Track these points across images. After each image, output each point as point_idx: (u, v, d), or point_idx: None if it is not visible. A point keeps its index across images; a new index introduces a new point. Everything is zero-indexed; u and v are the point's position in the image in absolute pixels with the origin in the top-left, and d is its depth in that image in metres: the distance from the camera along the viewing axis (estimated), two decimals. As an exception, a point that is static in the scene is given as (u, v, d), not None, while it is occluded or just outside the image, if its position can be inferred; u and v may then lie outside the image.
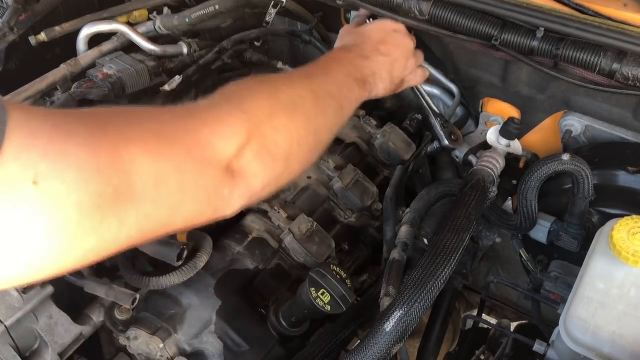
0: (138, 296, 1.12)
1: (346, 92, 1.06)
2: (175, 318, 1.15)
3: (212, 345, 1.13)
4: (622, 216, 1.00)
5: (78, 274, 1.15)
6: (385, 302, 1.10)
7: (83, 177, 0.59)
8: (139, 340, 1.13)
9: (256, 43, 1.67)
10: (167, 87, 1.47)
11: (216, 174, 0.76)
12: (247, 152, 0.79)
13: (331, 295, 1.05)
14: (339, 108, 1.01)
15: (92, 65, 1.54)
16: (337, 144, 1.47)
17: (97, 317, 1.17)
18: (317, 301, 1.04)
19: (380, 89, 1.17)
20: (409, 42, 1.25)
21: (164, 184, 0.68)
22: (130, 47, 1.63)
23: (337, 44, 1.26)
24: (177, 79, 1.48)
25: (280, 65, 1.73)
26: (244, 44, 1.63)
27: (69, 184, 0.57)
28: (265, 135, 0.83)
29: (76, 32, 1.59)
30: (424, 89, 1.61)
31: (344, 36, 1.27)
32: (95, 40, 1.61)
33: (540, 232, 1.22)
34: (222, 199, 0.78)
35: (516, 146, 1.27)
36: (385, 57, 1.18)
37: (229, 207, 0.80)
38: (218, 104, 0.84)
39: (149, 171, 0.66)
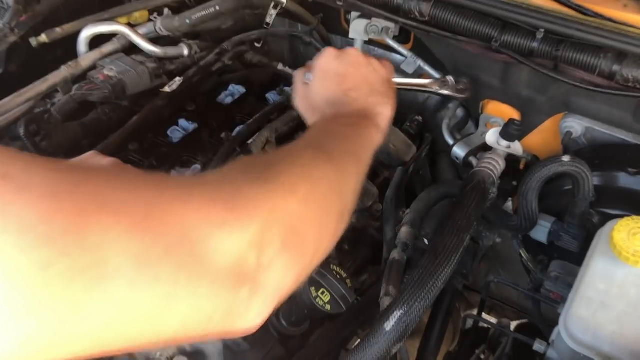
0: None
1: (360, 140, 0.92)
2: (175, 318, 1.14)
3: (212, 344, 1.13)
4: (622, 217, 1.00)
5: None
6: (385, 302, 1.10)
7: (25, 241, 0.43)
8: (139, 340, 1.13)
9: (257, 44, 1.68)
10: (167, 89, 1.47)
11: (230, 267, 0.55)
12: (272, 239, 0.59)
13: (331, 295, 1.05)
14: (358, 161, 0.87)
15: (93, 67, 1.54)
16: (338, 145, 1.46)
17: (98, 316, 1.17)
18: (317, 301, 1.04)
19: (385, 110, 1.04)
20: (352, 53, 1.07)
21: (150, 266, 0.49)
22: (130, 49, 1.63)
23: (309, 120, 1.07)
24: (177, 80, 1.49)
25: (280, 66, 1.74)
26: (245, 46, 1.63)
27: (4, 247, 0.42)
28: (292, 213, 0.64)
29: (77, 33, 1.60)
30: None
31: (303, 110, 1.09)
32: (96, 41, 1.61)
33: (541, 232, 1.22)
34: (240, 303, 0.57)
35: (516, 148, 1.27)
36: (358, 89, 1.03)
37: (250, 313, 0.60)
38: (234, 177, 0.64)
39: (129, 252, 0.48)
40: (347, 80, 1.04)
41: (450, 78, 1.41)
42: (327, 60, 1.07)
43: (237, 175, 0.64)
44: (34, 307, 0.43)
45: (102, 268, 0.46)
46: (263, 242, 0.58)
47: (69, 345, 0.47)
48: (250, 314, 0.59)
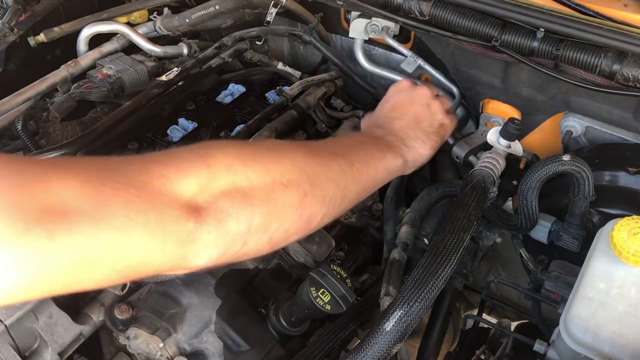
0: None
1: (360, 152, 0.99)
2: (175, 317, 1.15)
3: (212, 344, 1.13)
4: (622, 216, 1.00)
5: None
6: (385, 302, 1.10)
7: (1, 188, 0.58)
8: (138, 340, 1.13)
9: (257, 42, 1.67)
10: (164, 78, 1.47)
11: (173, 205, 0.69)
12: (211, 188, 0.73)
13: (331, 295, 1.04)
14: (347, 163, 0.94)
15: (93, 66, 1.54)
16: (337, 145, 1.47)
17: (97, 316, 1.17)
18: (317, 301, 1.04)
19: (419, 147, 1.13)
20: (421, 92, 1.21)
21: (105, 206, 0.63)
22: (130, 48, 1.63)
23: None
24: (175, 70, 1.48)
25: (280, 65, 1.74)
26: (244, 42, 1.63)
27: None
28: (235, 172, 0.77)
29: (76, 33, 1.60)
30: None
31: (364, 121, 1.27)
32: (96, 40, 1.61)
33: (541, 232, 1.21)
34: (186, 233, 0.70)
35: (516, 147, 1.27)
36: (403, 119, 1.14)
37: (201, 247, 0.72)
38: (179, 150, 0.80)
39: (84, 194, 0.62)
40: (398, 109, 1.17)
41: None
42: (395, 89, 1.23)
43: (183, 150, 0.79)
44: (18, 236, 0.57)
45: (66, 207, 0.60)
46: (208, 188, 0.73)
47: (58, 276, 0.61)
48: (198, 245, 0.71)
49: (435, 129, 1.18)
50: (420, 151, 1.12)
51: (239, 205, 0.75)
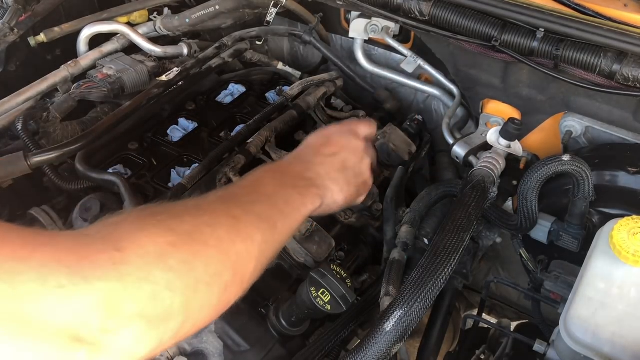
0: None
1: (282, 206, 0.88)
2: (175, 318, 1.14)
3: (212, 344, 1.13)
4: (622, 216, 1.00)
5: None
6: (385, 302, 1.10)
7: None
8: (139, 340, 1.13)
9: (257, 42, 1.67)
10: (164, 78, 1.47)
11: (55, 340, 0.54)
12: (117, 311, 0.57)
13: (331, 295, 1.04)
14: (270, 228, 0.82)
15: (93, 66, 1.54)
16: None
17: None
18: (317, 301, 1.04)
19: (336, 192, 1.02)
20: (360, 144, 1.11)
21: None
22: (130, 48, 1.63)
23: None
24: (175, 71, 1.48)
25: (280, 65, 1.74)
26: (244, 42, 1.63)
27: None
28: (151, 280, 0.61)
29: (76, 33, 1.60)
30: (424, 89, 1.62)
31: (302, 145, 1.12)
32: (96, 40, 1.61)
33: (541, 232, 1.22)
34: None
35: (516, 147, 1.27)
36: (331, 158, 1.05)
37: None
38: (85, 236, 0.63)
39: None
40: (331, 147, 1.07)
41: None
42: (339, 127, 1.13)
43: (95, 238, 0.62)
44: None
45: None
46: (109, 307, 0.57)
47: None
48: None
49: (357, 183, 1.09)
50: (335, 197, 1.02)
51: (152, 331, 0.61)
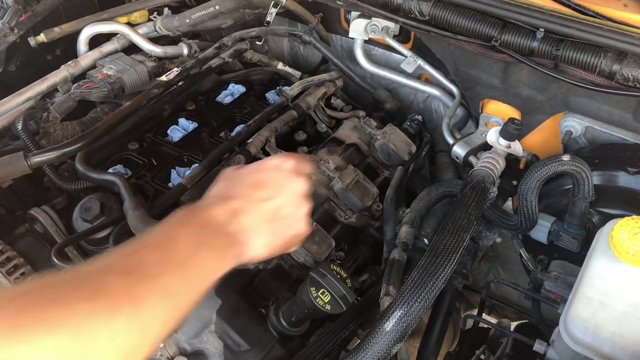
0: None
1: (193, 275, 0.76)
2: (175, 318, 1.14)
3: (212, 344, 1.13)
4: (622, 216, 1.00)
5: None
6: (385, 302, 1.10)
7: None
8: (139, 340, 1.13)
9: (257, 42, 1.68)
10: (164, 78, 1.47)
11: None
12: None
13: (331, 295, 1.04)
14: (173, 307, 0.72)
15: (93, 66, 1.54)
16: (338, 145, 1.47)
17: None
18: (317, 301, 1.04)
19: (258, 248, 0.87)
20: (301, 186, 0.94)
21: None
22: (130, 48, 1.63)
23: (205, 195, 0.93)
24: (175, 71, 1.48)
25: (280, 65, 1.74)
26: (244, 42, 1.63)
27: None
28: None
29: (76, 33, 1.60)
30: (424, 89, 1.62)
31: (215, 185, 0.94)
32: (96, 40, 1.61)
33: (541, 232, 1.22)
34: None
35: (516, 147, 1.27)
36: (264, 204, 0.89)
37: None
38: None
39: None
40: (264, 190, 0.90)
41: None
42: (271, 162, 0.96)
43: None
44: None
45: None
46: None
47: None
48: None
49: (287, 236, 0.93)
50: (256, 253, 0.88)
51: None
